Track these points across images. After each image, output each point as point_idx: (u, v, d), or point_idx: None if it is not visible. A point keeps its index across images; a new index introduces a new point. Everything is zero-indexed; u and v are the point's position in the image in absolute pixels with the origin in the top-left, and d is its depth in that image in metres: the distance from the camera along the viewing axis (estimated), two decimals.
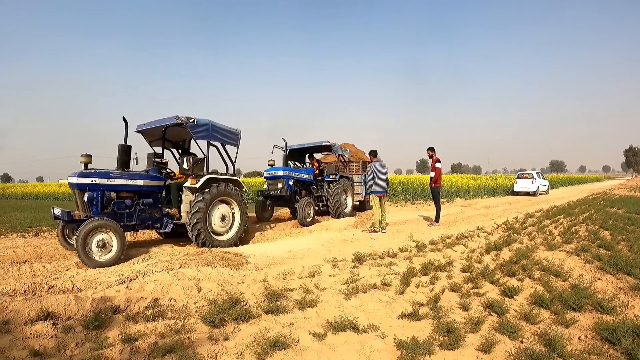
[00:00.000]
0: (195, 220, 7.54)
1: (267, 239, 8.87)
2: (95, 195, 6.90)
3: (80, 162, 7.03)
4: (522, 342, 3.02)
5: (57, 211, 7.06)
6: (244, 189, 8.80)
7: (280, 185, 12.45)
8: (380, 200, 9.12)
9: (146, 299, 4.26)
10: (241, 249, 7.33)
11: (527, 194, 23.69)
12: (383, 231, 8.86)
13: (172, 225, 7.72)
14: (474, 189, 25.23)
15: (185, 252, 6.71)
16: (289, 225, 11.83)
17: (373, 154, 9.56)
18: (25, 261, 6.75)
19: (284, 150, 13.63)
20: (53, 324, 3.71)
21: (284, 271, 5.25)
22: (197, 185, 7.72)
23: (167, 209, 7.97)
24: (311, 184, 13.38)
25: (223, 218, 8.16)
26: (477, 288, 4.34)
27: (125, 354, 3.07)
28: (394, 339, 3.05)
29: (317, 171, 13.94)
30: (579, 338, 3.12)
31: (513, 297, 4.00)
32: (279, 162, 13.31)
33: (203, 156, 8.47)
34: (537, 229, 8.35)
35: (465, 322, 3.35)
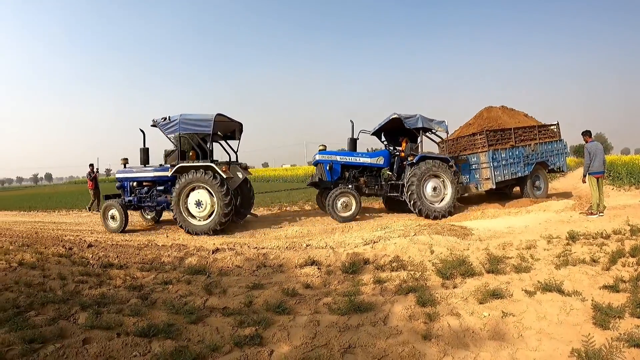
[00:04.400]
0: (173, 206, 8.99)
1: (487, 216, 9.45)
2: (124, 185, 10.15)
3: (121, 163, 10.38)
4: None
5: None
6: (227, 176, 8.88)
7: (316, 172, 11.18)
8: (597, 181, 8.80)
9: (389, 256, 5.72)
10: (465, 223, 8.15)
11: None
12: (600, 214, 8.59)
13: None
14: None
15: (417, 223, 8.09)
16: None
17: (588, 134, 9.09)
18: (280, 226, 9.47)
19: (369, 133, 11.98)
20: (317, 268, 5.35)
21: (504, 243, 6.10)
22: (169, 174, 9.24)
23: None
24: (381, 169, 11.27)
25: (198, 204, 8.90)
26: None
27: (377, 290, 4.43)
28: (592, 302, 3.65)
29: (401, 154, 11.52)
30: None
31: None
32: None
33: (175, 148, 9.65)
34: None
35: None
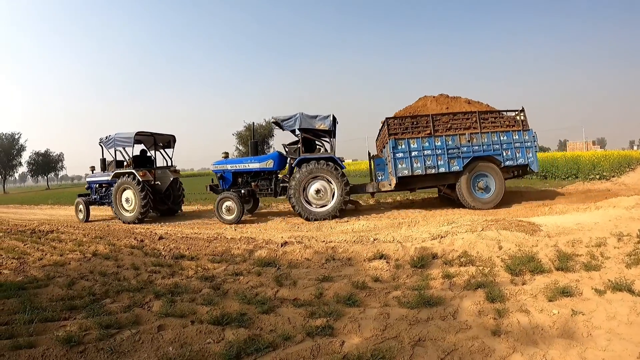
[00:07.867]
0: (112, 201, 11.94)
1: (555, 212, 9.25)
2: (90, 186, 13.69)
3: (89, 169, 13.73)
4: None
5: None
6: (143, 179, 11.55)
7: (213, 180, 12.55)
8: None
9: (457, 251, 5.79)
10: (533, 218, 8.02)
11: None
12: None
13: None
14: None
15: (484, 218, 8.06)
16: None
17: None
18: (347, 220, 9.71)
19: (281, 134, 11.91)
20: (386, 262, 5.46)
21: (573, 240, 5.98)
22: (109, 178, 12.37)
23: None
24: (274, 172, 11.12)
25: (127, 200, 11.82)
26: None
27: (446, 285, 4.54)
28: None
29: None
30: None
31: None
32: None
33: (122, 159, 12.77)
34: None
35: None
